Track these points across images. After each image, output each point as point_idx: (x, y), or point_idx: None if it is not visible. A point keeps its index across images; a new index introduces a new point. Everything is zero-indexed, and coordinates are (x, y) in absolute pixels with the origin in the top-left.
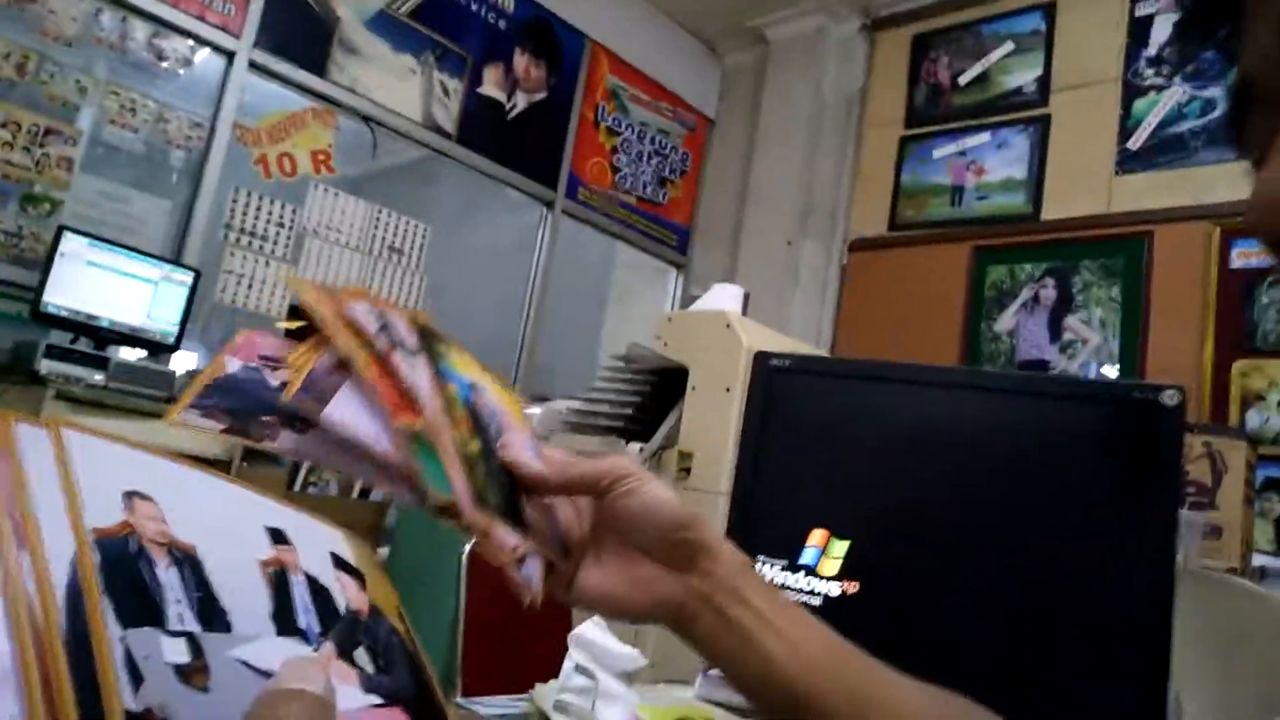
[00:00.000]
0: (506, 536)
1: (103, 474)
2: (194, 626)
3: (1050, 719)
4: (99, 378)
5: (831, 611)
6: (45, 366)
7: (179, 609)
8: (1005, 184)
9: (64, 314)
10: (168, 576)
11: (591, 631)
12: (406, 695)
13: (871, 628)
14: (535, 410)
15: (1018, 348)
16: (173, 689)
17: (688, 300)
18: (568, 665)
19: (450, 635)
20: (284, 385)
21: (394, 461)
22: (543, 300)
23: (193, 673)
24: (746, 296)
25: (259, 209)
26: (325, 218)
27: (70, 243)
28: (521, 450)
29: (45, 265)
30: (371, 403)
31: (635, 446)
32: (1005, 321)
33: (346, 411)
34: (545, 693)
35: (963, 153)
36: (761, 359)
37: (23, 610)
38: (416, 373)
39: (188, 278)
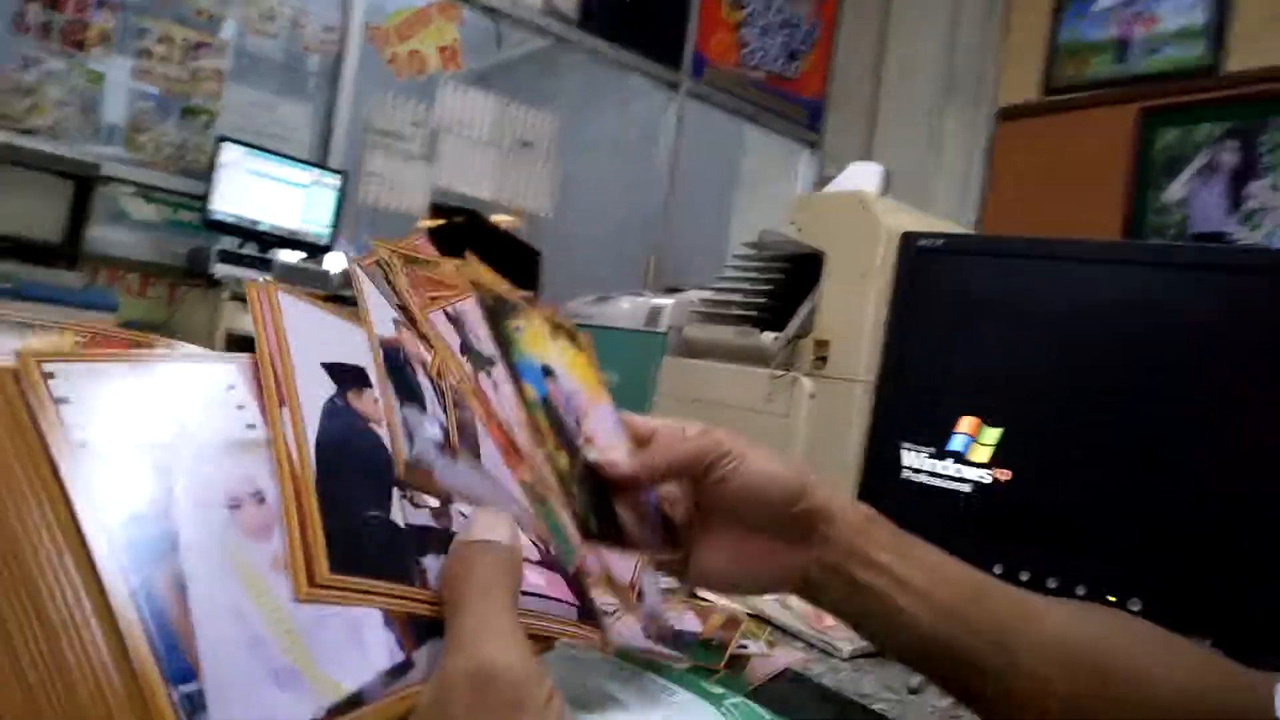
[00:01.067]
0: (619, 575)
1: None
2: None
3: (1215, 621)
4: (265, 279)
5: (981, 499)
6: (218, 270)
7: (431, 406)
8: (1181, 34)
9: (230, 220)
10: (424, 383)
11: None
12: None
13: (1023, 516)
14: (668, 302)
15: (1190, 219)
16: (433, 452)
17: (822, 182)
18: None
19: None
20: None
21: (526, 520)
22: (671, 188)
23: (444, 447)
24: (886, 175)
25: (394, 109)
26: (456, 114)
27: (229, 152)
28: (607, 449)
29: (209, 175)
30: (491, 450)
31: (769, 336)
32: (1176, 191)
33: (490, 459)
34: None
35: (1129, 1)
36: (909, 239)
37: (284, 461)
38: (502, 394)
39: (335, 180)
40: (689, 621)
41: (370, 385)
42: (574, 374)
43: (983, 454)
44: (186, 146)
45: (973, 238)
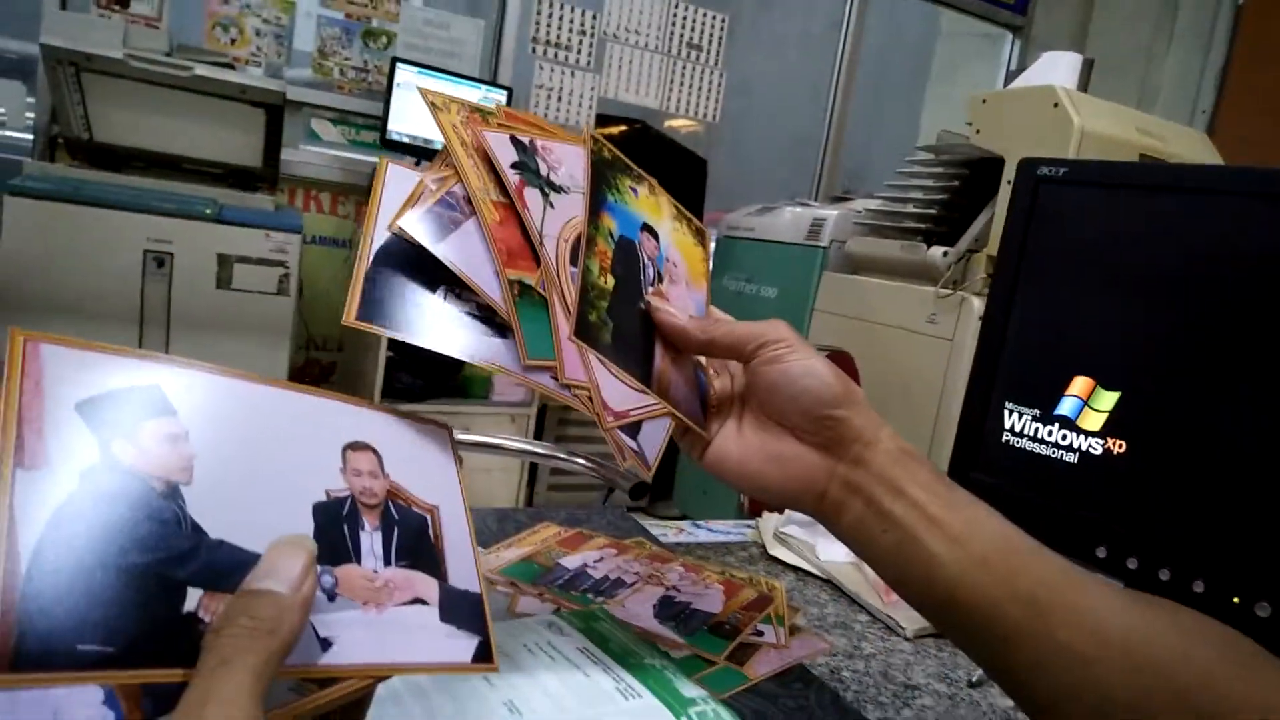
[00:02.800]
0: (613, 400)
1: None
2: None
3: None
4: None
5: (1090, 472)
6: None
7: None
8: None
9: (405, 139)
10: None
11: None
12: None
13: (1137, 495)
14: (831, 213)
15: None
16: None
17: (1015, 75)
18: None
19: None
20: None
21: (499, 310)
22: (849, 87)
23: None
24: (1088, 65)
25: (561, 18)
26: (624, 19)
27: (402, 73)
28: (667, 302)
29: (386, 95)
30: (487, 246)
31: (939, 250)
32: None
33: (458, 250)
34: (768, 522)
35: None
36: (1026, 166)
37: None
38: (555, 212)
39: (502, 96)
40: (709, 600)
41: (169, 413)
42: (680, 251)
43: (1095, 420)
44: (367, 69)
45: (1104, 165)
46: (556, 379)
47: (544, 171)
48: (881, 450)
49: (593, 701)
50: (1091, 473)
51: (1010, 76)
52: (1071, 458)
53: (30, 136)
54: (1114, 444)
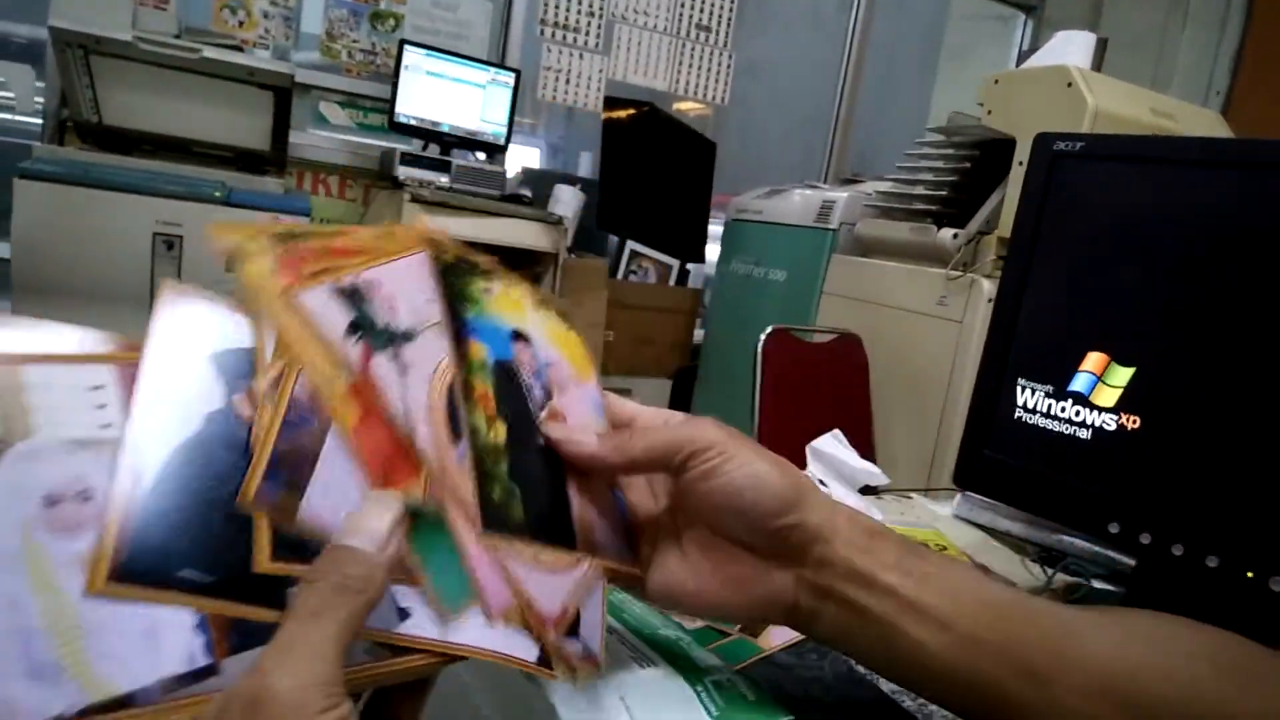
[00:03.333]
0: (545, 602)
1: None
2: None
3: None
4: (444, 180)
5: (1104, 448)
6: (402, 173)
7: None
8: None
9: (413, 122)
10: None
11: (829, 444)
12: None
13: (1152, 471)
14: (841, 195)
15: None
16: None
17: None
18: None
19: (750, 412)
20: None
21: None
22: (859, 68)
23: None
24: (1101, 44)
25: (569, 0)
26: (632, 0)
27: (411, 55)
28: (570, 427)
29: (394, 78)
30: (355, 473)
31: (949, 232)
32: None
33: (327, 499)
34: None
35: None
36: (1043, 141)
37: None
38: (415, 372)
39: (510, 78)
40: None
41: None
42: (557, 345)
43: (1109, 397)
44: (375, 51)
45: (1121, 139)
46: (488, 618)
47: (383, 322)
48: (843, 542)
49: (607, 669)
50: (1105, 449)
51: (1022, 57)
52: (1085, 434)
53: (39, 121)
54: (1128, 420)
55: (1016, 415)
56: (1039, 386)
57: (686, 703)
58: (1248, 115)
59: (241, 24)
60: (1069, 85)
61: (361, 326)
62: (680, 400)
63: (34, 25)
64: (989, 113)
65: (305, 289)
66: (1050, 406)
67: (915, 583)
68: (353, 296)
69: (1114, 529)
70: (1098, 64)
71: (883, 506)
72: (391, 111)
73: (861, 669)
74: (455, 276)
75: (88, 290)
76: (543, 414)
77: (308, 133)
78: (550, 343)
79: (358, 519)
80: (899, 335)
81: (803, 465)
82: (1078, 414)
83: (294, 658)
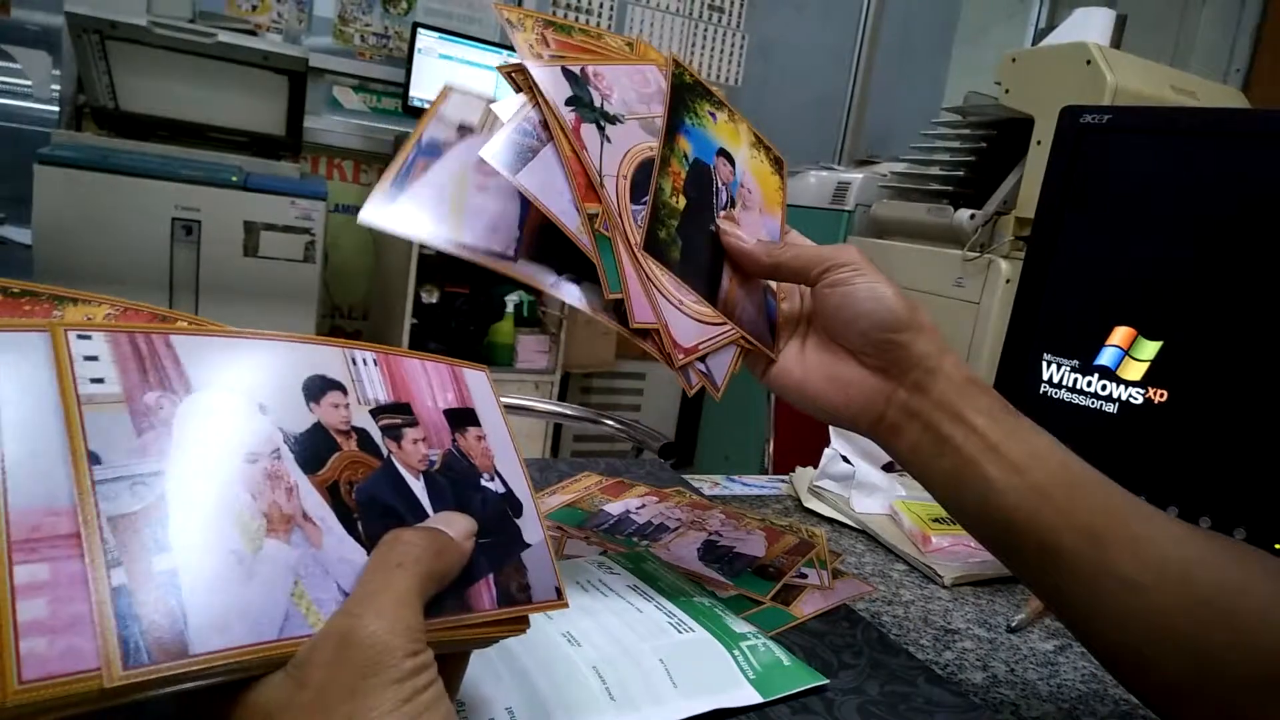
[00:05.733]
0: (682, 337)
1: None
2: None
3: None
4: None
5: (1131, 421)
6: None
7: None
8: None
9: (427, 105)
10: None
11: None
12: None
13: (1179, 445)
14: (857, 176)
15: None
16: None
17: (1044, 33)
18: (828, 452)
19: (766, 395)
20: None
21: (580, 245)
22: (873, 48)
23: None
24: (1121, 21)
25: None
26: None
27: (424, 38)
28: (737, 226)
29: (407, 62)
30: (566, 177)
31: (965, 213)
32: None
33: (537, 180)
34: (803, 477)
35: None
36: (1069, 114)
37: None
38: (612, 146)
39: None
40: (752, 545)
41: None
42: (756, 178)
43: (1136, 370)
44: (388, 35)
45: (1148, 111)
46: (627, 323)
47: (598, 102)
48: (944, 376)
49: (647, 634)
50: (1132, 422)
51: (1039, 35)
52: (1111, 408)
53: (56, 108)
54: (1155, 393)
55: (1042, 390)
56: (1065, 361)
57: (725, 665)
58: (1268, 93)
59: (255, 8)
60: (1088, 62)
61: (578, 101)
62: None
63: (50, 13)
64: (1006, 91)
65: (538, 66)
66: (1076, 381)
67: (1001, 431)
68: (574, 79)
69: None
70: (1117, 41)
71: (907, 483)
72: (405, 95)
73: (892, 635)
74: (688, 93)
75: (109, 274)
76: (721, 213)
77: (322, 117)
78: (751, 173)
79: (441, 518)
80: None
81: (826, 442)
82: (1104, 388)
83: (381, 602)
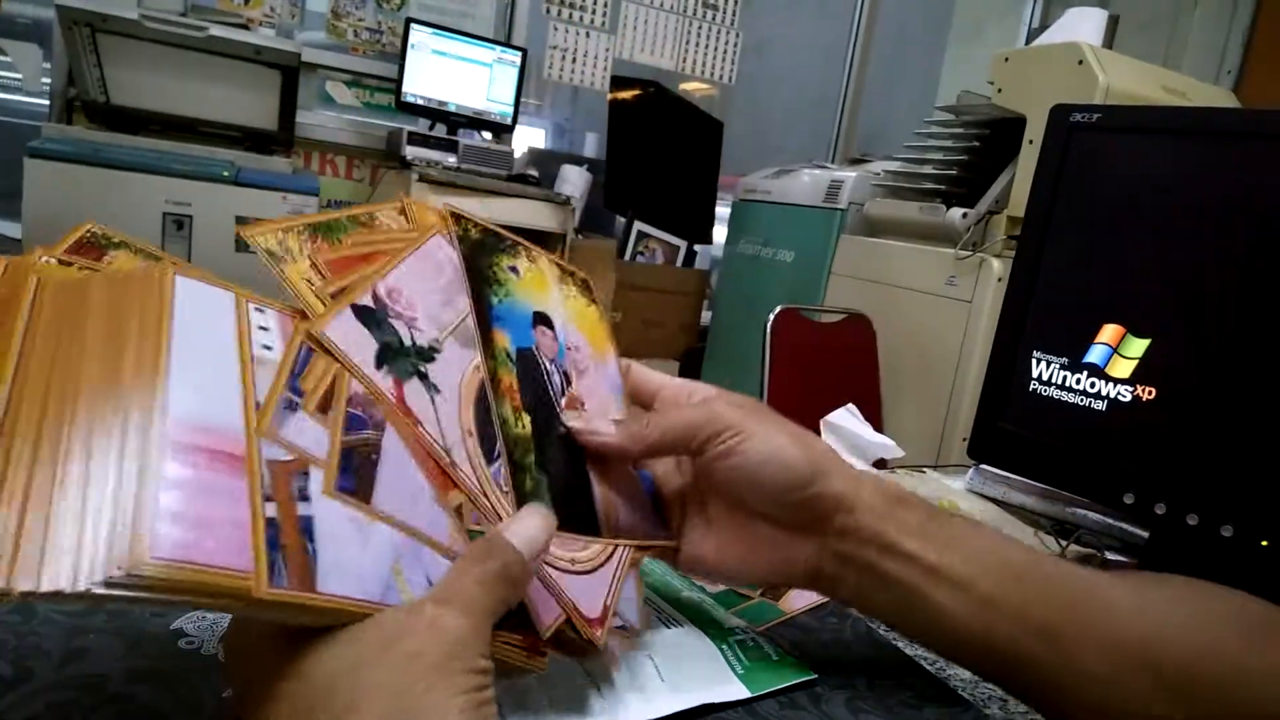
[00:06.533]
0: (587, 603)
1: None
2: None
3: None
4: (452, 160)
5: (1119, 418)
6: (409, 153)
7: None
8: None
9: (420, 102)
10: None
11: (844, 418)
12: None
13: (1166, 442)
14: (850, 175)
15: None
16: None
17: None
18: None
19: (759, 393)
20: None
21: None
22: (867, 47)
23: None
24: (1113, 21)
25: None
26: None
27: (417, 34)
28: (583, 411)
29: (401, 58)
30: (418, 474)
31: (958, 212)
32: None
33: (394, 494)
34: None
35: None
36: (1059, 113)
37: None
38: (444, 394)
39: (516, 58)
40: None
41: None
42: (577, 324)
43: (1124, 368)
44: (381, 30)
45: (1137, 110)
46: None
47: (407, 339)
48: (864, 509)
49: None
50: (1120, 419)
51: (1032, 35)
52: (1100, 405)
53: (46, 101)
54: (1143, 391)
55: (1031, 388)
56: (1054, 359)
57: (713, 661)
58: (1259, 94)
59: (247, 2)
60: (1080, 62)
61: (388, 353)
62: None
63: (40, 5)
64: (999, 91)
65: (331, 318)
66: (1065, 378)
67: (936, 548)
68: (373, 316)
69: (1129, 499)
70: (1109, 41)
71: (898, 480)
72: (399, 91)
73: (882, 631)
74: (480, 255)
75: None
76: (563, 401)
77: (315, 112)
78: (570, 322)
79: (524, 521)
80: (908, 315)
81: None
82: (1093, 385)
83: (467, 603)
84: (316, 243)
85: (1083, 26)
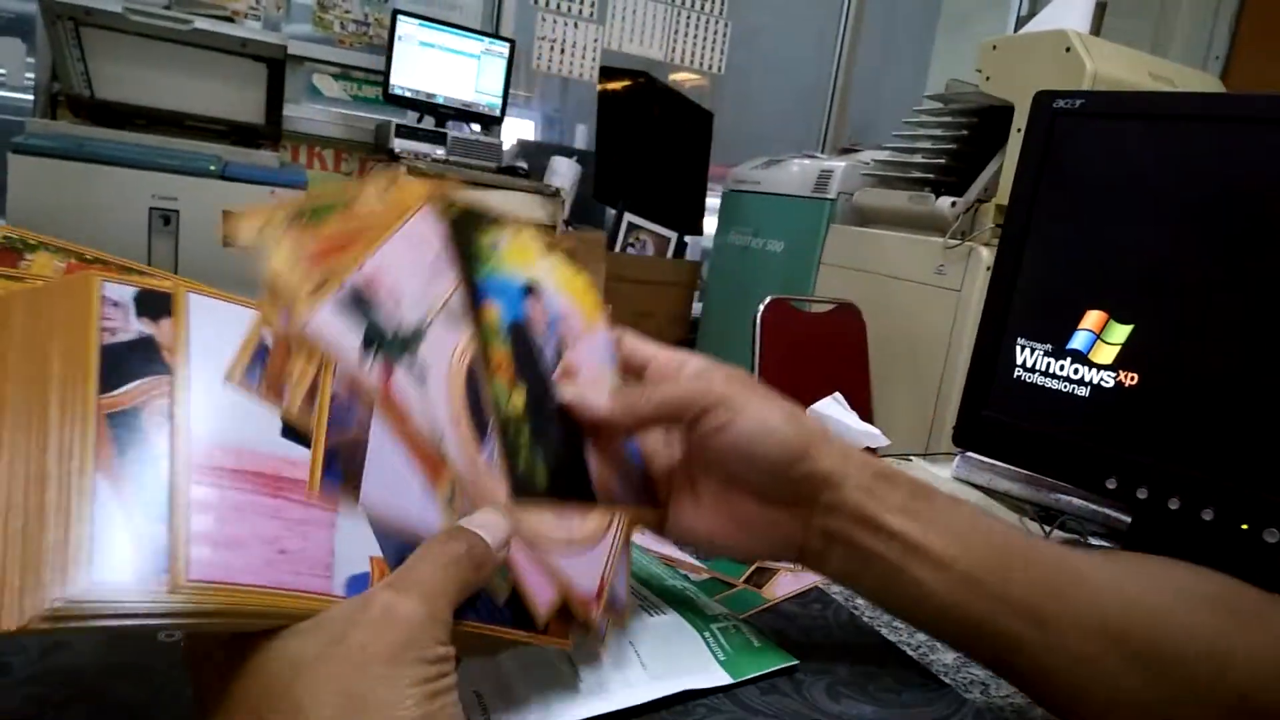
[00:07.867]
0: (583, 581)
1: None
2: None
3: None
4: (440, 152)
5: (1102, 404)
6: (397, 145)
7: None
8: None
9: (408, 94)
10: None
11: (830, 407)
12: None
13: (1149, 426)
14: (839, 164)
15: None
16: None
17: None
18: None
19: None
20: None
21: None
22: (857, 37)
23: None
24: (1100, 8)
25: None
26: None
27: (404, 25)
28: (581, 388)
29: (388, 50)
30: (408, 461)
31: (947, 201)
32: None
33: (384, 486)
34: None
35: None
36: (1043, 99)
37: None
38: (432, 378)
39: (504, 49)
40: None
41: None
42: (566, 292)
43: (1107, 354)
44: (368, 22)
45: (1120, 96)
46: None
47: (393, 326)
48: (852, 486)
49: None
50: (1103, 405)
51: (1020, 23)
52: (1083, 391)
53: (30, 96)
54: (1126, 377)
55: (1015, 375)
56: (1038, 345)
57: (695, 647)
58: (1246, 80)
59: None
60: (1067, 50)
61: (373, 340)
62: None
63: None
64: (987, 79)
65: (314, 310)
66: (1049, 365)
67: (920, 525)
68: (359, 305)
69: (1111, 484)
70: (1096, 28)
71: None
72: (386, 83)
73: (865, 618)
74: (464, 230)
75: None
76: (556, 373)
77: (302, 105)
78: (560, 291)
79: (484, 515)
80: (897, 305)
81: None
82: (1076, 372)
83: (426, 589)
84: (298, 227)
85: (1070, 13)
